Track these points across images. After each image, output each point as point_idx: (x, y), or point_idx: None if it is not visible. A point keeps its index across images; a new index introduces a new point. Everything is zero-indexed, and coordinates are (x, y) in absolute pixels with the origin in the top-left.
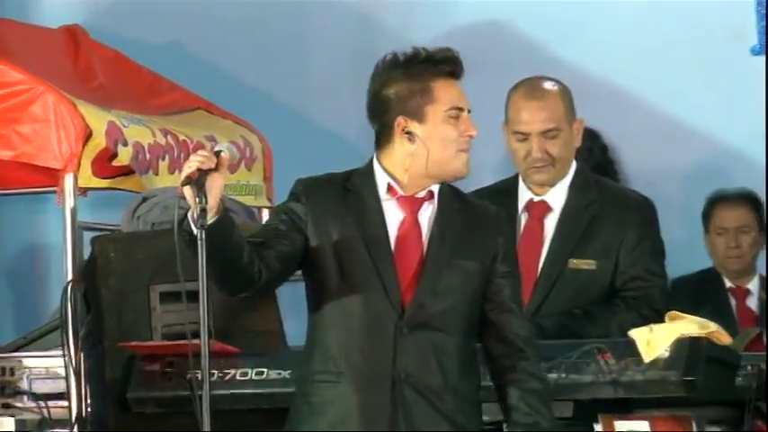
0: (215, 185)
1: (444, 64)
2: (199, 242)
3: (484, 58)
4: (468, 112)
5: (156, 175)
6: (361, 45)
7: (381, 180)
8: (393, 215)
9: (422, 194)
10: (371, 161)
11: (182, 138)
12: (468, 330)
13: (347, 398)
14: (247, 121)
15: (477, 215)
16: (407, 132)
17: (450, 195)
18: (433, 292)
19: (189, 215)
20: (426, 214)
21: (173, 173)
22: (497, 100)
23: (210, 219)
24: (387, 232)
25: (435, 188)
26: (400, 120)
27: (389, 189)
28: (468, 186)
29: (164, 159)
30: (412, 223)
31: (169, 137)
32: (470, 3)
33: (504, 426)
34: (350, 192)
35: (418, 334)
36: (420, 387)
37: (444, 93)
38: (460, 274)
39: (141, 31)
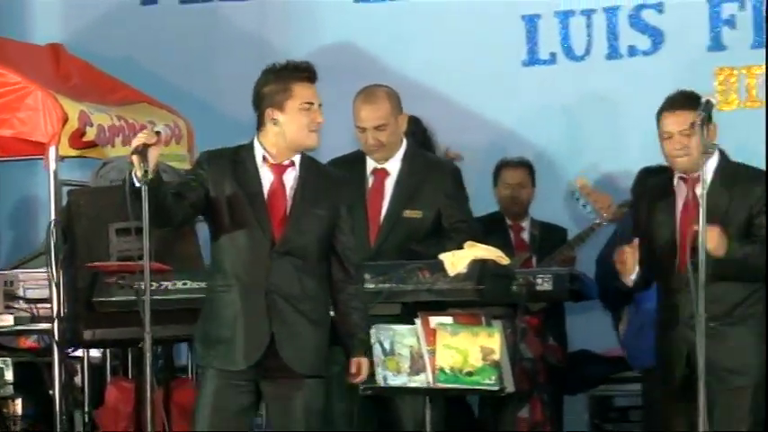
0: (153, 155)
1: (300, 71)
2: (143, 194)
3: (342, 67)
4: (320, 105)
5: (113, 147)
6: (254, 57)
7: (258, 153)
8: (266, 177)
9: (286, 162)
10: (254, 139)
11: (131, 121)
12: (320, 257)
13: (236, 302)
14: (177, 109)
15: (329, 178)
16: (273, 119)
17: (310, 163)
18: (296, 231)
19: (132, 173)
20: (290, 176)
21: (125, 146)
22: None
23: (150, 177)
24: (262, 189)
25: (297, 158)
26: (269, 111)
27: (264, 159)
28: (324, 157)
29: (119, 136)
30: (278, 183)
31: (122, 121)
32: (334, 27)
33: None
34: (237, 162)
35: (285, 259)
36: (285, 295)
37: (299, 91)
38: (316, 218)
39: (103, 47)
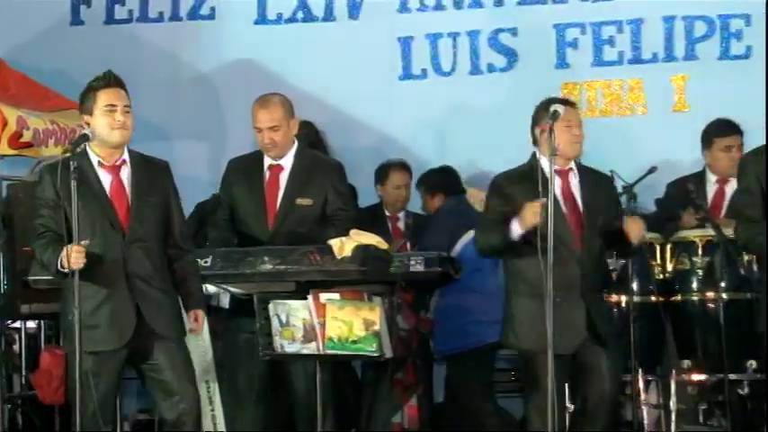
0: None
1: (101, 80)
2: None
3: (243, 80)
4: (125, 106)
5: (47, 147)
6: (167, 70)
7: (94, 158)
8: (105, 178)
9: (119, 162)
10: (86, 147)
11: (62, 125)
12: (160, 238)
13: (100, 291)
14: None
15: (156, 168)
16: (87, 123)
17: (139, 158)
18: (139, 220)
19: (59, 262)
20: (125, 173)
21: (56, 146)
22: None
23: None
24: (104, 189)
25: (126, 156)
26: (83, 117)
27: (100, 163)
28: (228, 155)
29: (51, 138)
30: (117, 181)
31: (55, 125)
32: (236, 45)
33: None
34: (77, 169)
35: (135, 246)
36: (141, 276)
37: (102, 97)
38: (152, 206)
39: (38, 61)
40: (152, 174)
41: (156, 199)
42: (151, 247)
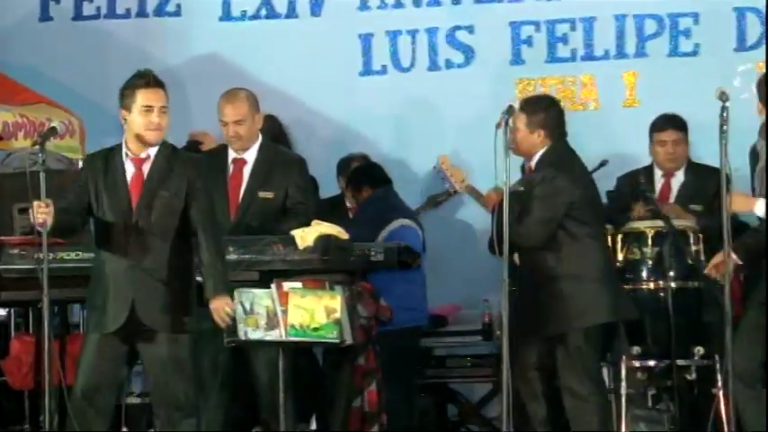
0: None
1: (141, 79)
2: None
3: (209, 75)
4: (161, 107)
5: (17, 140)
6: (135, 65)
7: (124, 150)
8: (129, 169)
9: (143, 155)
10: (123, 138)
11: (31, 118)
12: (173, 230)
13: (108, 275)
14: (70, 108)
15: (180, 161)
16: (124, 119)
17: (167, 150)
18: (147, 210)
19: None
20: (147, 166)
21: (26, 139)
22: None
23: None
24: (125, 179)
25: (153, 151)
26: (122, 111)
27: (126, 154)
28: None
29: (21, 131)
30: (137, 172)
31: (24, 118)
32: (202, 40)
33: None
34: (108, 159)
35: (142, 236)
36: (145, 266)
37: (141, 96)
38: (163, 198)
39: (8, 56)
40: (175, 167)
41: (172, 192)
42: (161, 239)
